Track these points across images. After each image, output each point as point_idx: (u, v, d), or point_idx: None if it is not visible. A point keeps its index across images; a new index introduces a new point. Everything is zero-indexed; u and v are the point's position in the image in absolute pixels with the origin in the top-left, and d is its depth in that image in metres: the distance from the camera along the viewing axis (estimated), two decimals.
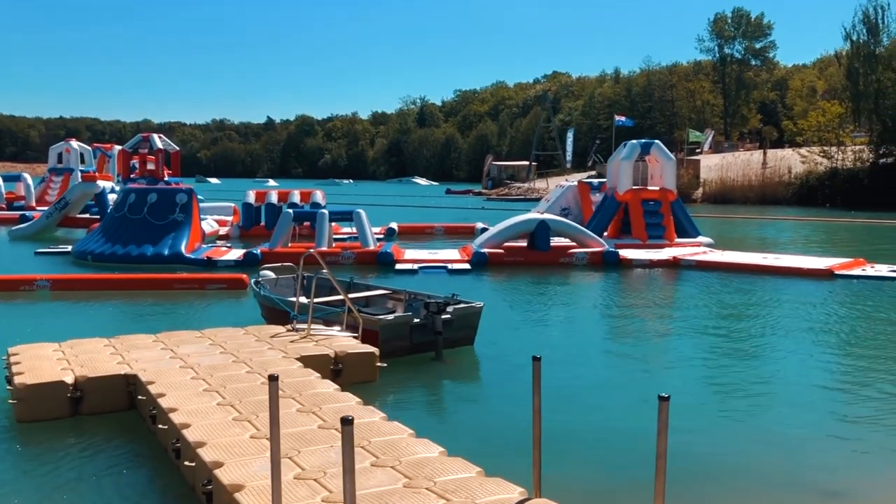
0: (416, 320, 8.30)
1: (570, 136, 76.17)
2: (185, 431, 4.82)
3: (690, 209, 26.64)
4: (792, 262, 16.05)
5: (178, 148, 40.14)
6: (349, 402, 5.49)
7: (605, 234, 20.33)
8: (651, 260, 17.01)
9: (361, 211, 18.12)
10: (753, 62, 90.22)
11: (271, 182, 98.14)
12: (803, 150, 49.02)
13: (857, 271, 15.10)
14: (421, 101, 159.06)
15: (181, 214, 17.37)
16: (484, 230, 21.26)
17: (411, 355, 8.24)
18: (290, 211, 17.99)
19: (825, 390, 7.56)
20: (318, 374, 6.23)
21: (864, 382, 7.80)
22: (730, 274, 15.69)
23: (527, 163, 75.58)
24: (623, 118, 52.07)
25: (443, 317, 8.29)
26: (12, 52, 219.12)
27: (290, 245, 18.03)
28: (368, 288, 10.25)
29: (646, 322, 11.30)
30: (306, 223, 19.31)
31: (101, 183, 24.53)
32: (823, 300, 12.72)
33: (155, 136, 38.04)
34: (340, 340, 7.50)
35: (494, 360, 8.51)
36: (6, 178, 36.78)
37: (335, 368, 6.95)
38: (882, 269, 15.22)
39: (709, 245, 19.43)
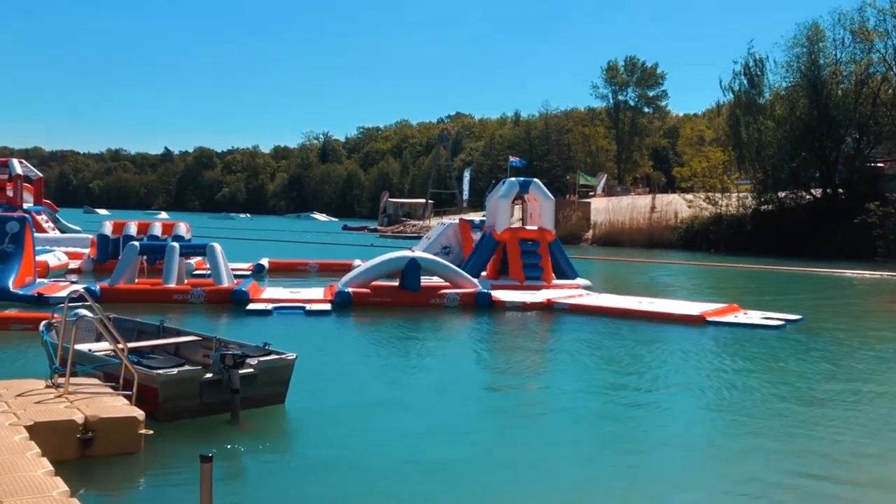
0: (207, 375, 7.00)
1: (466, 175, 76.18)
2: None
3: (580, 251, 26.31)
4: (665, 307, 15.52)
5: (40, 174, 37.45)
6: (46, 496, 4.14)
7: (484, 273, 19.48)
8: (524, 303, 16.19)
9: (216, 245, 16.63)
10: (646, 109, 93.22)
11: (163, 214, 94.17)
12: (689, 196, 50.13)
13: (729, 318, 14.66)
14: (324, 136, 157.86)
15: (11, 245, 15.47)
16: None
17: (203, 417, 6.93)
18: (136, 244, 16.35)
19: (695, 450, 6.75)
20: (37, 451, 4.84)
21: (738, 444, 7.00)
22: (603, 318, 15.01)
23: (423, 201, 75.08)
24: (517, 159, 52.01)
25: (242, 371, 7.02)
26: None
27: (136, 281, 16.36)
28: (179, 333, 8.86)
29: (505, 374, 10.31)
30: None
31: None
32: (695, 349, 12.08)
33: (14, 160, 35.38)
34: (102, 401, 6.12)
35: (307, 421, 7.29)
36: None
37: (84, 437, 5.59)
38: (754, 316, 14.84)
39: (586, 287, 18.82)
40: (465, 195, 75.10)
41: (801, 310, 16.29)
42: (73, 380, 6.79)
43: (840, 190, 43.99)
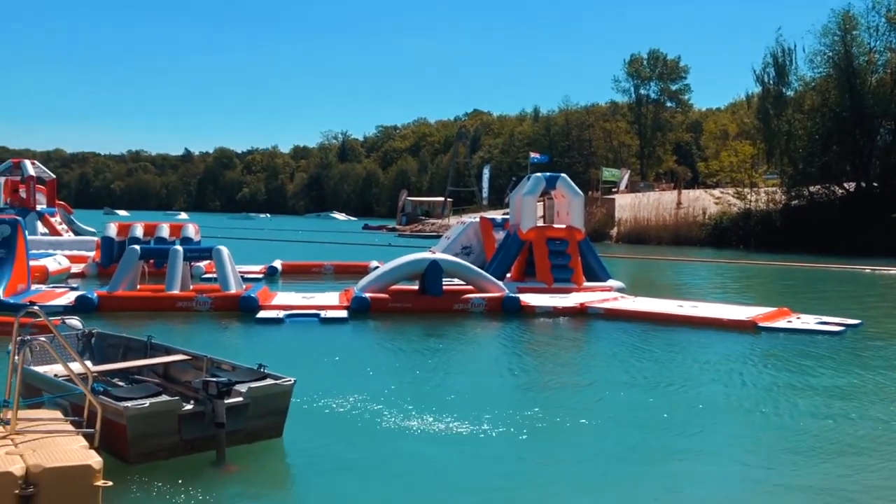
0: (186, 407, 5.85)
1: (486, 172, 74.86)
2: None
3: (605, 248, 25.01)
4: (711, 312, 14.18)
5: (53, 175, 36.66)
6: None
7: (508, 276, 18.24)
8: (556, 307, 14.93)
9: (223, 248, 15.50)
10: (669, 104, 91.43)
11: (182, 215, 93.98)
12: (717, 192, 48.59)
13: (781, 323, 13.33)
14: (343, 135, 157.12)
15: (2, 250, 14.43)
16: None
17: (184, 456, 5.79)
18: (137, 247, 15.25)
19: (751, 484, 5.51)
20: None
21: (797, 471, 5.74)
22: (642, 324, 13.74)
23: (442, 199, 73.92)
24: (538, 155, 50.82)
25: (228, 401, 5.86)
26: None
27: (138, 287, 15.30)
28: (168, 351, 7.70)
29: (540, 390, 9.05)
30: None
31: None
32: (748, 360, 10.80)
33: (27, 161, 34.59)
34: (54, 445, 4.96)
35: (310, 461, 6.10)
36: None
37: (24, 494, 4.45)
38: (809, 321, 13.49)
39: (620, 290, 17.51)
40: (485, 193, 73.84)
41: (855, 312, 14.88)
42: (29, 413, 5.67)
43: (875, 183, 42.33)
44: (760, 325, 13.11)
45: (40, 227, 31.65)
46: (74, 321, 9.17)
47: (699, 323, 13.59)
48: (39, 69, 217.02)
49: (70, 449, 4.91)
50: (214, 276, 17.95)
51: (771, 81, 47.02)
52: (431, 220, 65.74)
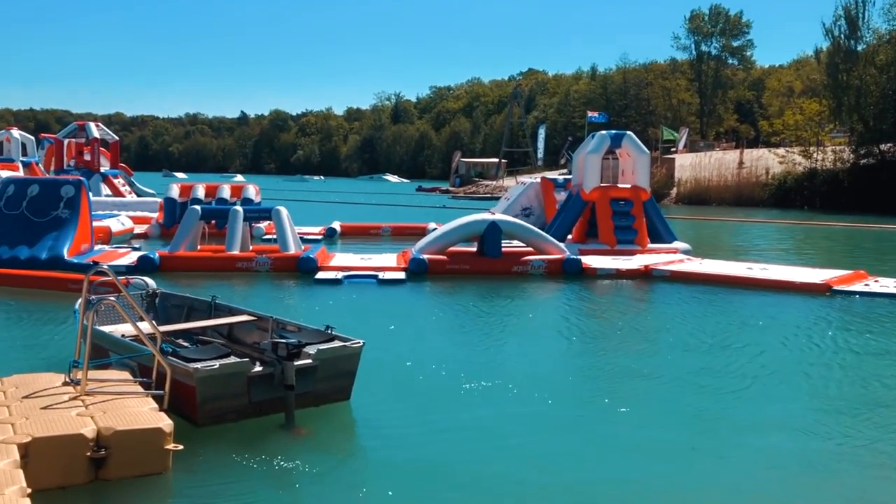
0: (255, 369, 5.75)
1: (541, 132, 73.74)
2: None
3: (665, 210, 24.36)
4: (782, 275, 13.66)
5: (116, 137, 37.33)
6: None
7: (570, 237, 17.87)
8: (619, 270, 14.56)
9: (282, 208, 15.46)
10: (731, 61, 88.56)
11: (238, 177, 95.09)
12: (781, 150, 47.05)
13: (858, 286, 12.77)
14: (396, 97, 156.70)
15: (66, 210, 14.62)
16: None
17: (252, 419, 5.70)
18: (197, 208, 15.30)
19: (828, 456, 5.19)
20: (18, 487, 3.63)
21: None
22: (709, 287, 13.30)
23: (496, 160, 73.20)
24: (596, 114, 49.67)
25: (298, 363, 5.75)
26: None
27: (199, 248, 15.40)
28: (231, 312, 7.63)
29: (604, 356, 8.77)
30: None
31: (3, 173, 21.65)
32: (823, 323, 10.36)
33: (91, 124, 35.30)
34: (124, 406, 4.91)
35: (378, 422, 5.98)
36: None
37: (95, 457, 4.41)
38: (889, 284, 12.88)
39: (686, 252, 16.99)
40: (540, 153, 72.84)
41: None
42: (98, 374, 5.64)
43: None
44: (835, 287, 12.58)
45: (104, 189, 32.24)
46: (145, 280, 9.27)
47: (769, 286, 13.10)
48: (100, 35, 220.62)
49: (140, 411, 4.86)
50: (274, 236, 18.02)
51: (842, 35, 45.12)
52: (485, 182, 65.22)
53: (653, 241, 17.30)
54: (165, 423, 4.69)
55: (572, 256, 14.93)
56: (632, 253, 16.44)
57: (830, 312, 11.24)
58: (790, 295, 12.55)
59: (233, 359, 5.76)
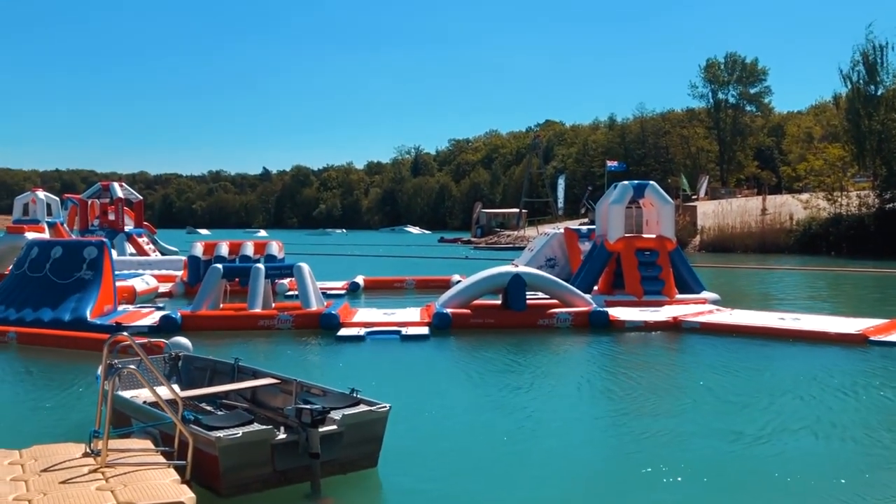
0: (280, 436, 5.56)
1: (560, 182, 73.90)
2: None
3: (688, 258, 24.06)
4: (816, 325, 13.31)
5: (140, 197, 37.77)
6: None
7: (595, 288, 17.63)
8: (647, 322, 14.27)
9: (304, 265, 15.40)
10: (748, 108, 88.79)
11: (262, 232, 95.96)
12: (804, 196, 46.68)
13: (895, 337, 12.39)
14: (415, 150, 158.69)
15: (89, 272, 14.64)
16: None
17: (277, 488, 5.49)
18: (219, 266, 15.27)
19: None
20: None
21: None
22: (741, 339, 12.98)
23: (517, 210, 73.31)
24: (615, 163, 49.74)
25: (323, 430, 5.55)
26: (8, 101, 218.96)
27: (221, 306, 15.34)
28: (255, 374, 7.47)
29: (641, 418, 8.46)
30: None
31: (29, 235, 21.84)
32: (860, 377, 10.00)
33: (115, 184, 35.75)
34: (145, 479, 4.73)
35: (407, 491, 5.74)
36: None
37: None
38: None
39: (714, 302, 16.66)
40: (560, 203, 72.88)
41: None
42: (119, 443, 5.48)
43: None
44: (872, 338, 12.21)
45: (128, 248, 32.50)
46: (182, 340, 9.21)
47: (803, 337, 12.75)
48: (125, 96, 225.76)
49: (162, 483, 4.68)
50: (297, 293, 17.95)
51: (861, 80, 45.06)
52: (507, 232, 65.29)
53: (680, 292, 17.01)
54: (188, 496, 4.51)
55: (599, 309, 14.68)
56: (659, 304, 16.15)
57: (870, 365, 10.87)
58: (825, 346, 12.19)
59: (256, 426, 5.58)
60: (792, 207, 46.31)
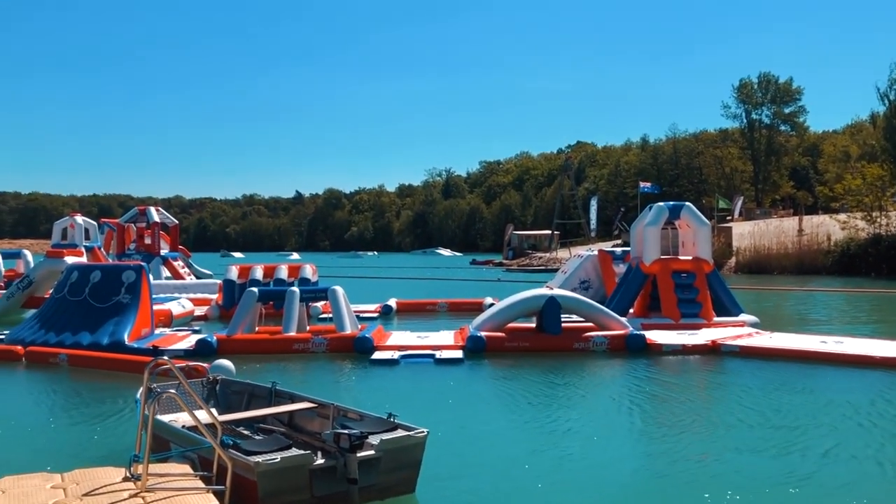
0: (318, 461, 5.52)
1: (593, 203, 73.61)
2: None
3: (725, 280, 23.72)
4: (859, 349, 13.01)
5: (175, 221, 38.23)
6: None
7: (631, 311, 17.42)
8: (685, 345, 14.05)
9: (338, 288, 15.44)
10: (783, 127, 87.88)
11: (294, 255, 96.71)
12: (842, 216, 45.91)
13: None
14: (446, 172, 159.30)
15: (127, 295, 14.82)
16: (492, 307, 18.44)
17: None
18: (254, 290, 15.37)
19: None
20: None
21: None
22: (781, 362, 12.72)
23: (549, 232, 73.06)
24: (648, 185, 49.42)
25: (361, 455, 5.51)
26: (49, 128, 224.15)
27: (257, 329, 15.42)
28: (293, 398, 7.47)
29: (682, 446, 8.28)
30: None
31: (69, 259, 22.20)
32: None
33: (152, 208, 36.21)
34: (185, 503, 4.73)
35: None
36: (6, 255, 34.22)
37: None
38: None
39: (753, 325, 16.38)
40: (593, 224, 72.55)
41: None
42: (159, 468, 5.48)
43: None
44: None
45: (164, 272, 32.89)
46: (224, 363, 9.27)
47: (847, 361, 12.47)
48: (161, 120, 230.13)
49: None
50: (331, 315, 17.99)
51: None
52: (539, 254, 65.02)
53: (718, 314, 16.74)
54: None
55: (636, 332, 14.50)
56: (697, 327, 15.91)
57: None
58: (869, 370, 11.90)
59: (294, 451, 5.55)
60: (829, 228, 45.59)
